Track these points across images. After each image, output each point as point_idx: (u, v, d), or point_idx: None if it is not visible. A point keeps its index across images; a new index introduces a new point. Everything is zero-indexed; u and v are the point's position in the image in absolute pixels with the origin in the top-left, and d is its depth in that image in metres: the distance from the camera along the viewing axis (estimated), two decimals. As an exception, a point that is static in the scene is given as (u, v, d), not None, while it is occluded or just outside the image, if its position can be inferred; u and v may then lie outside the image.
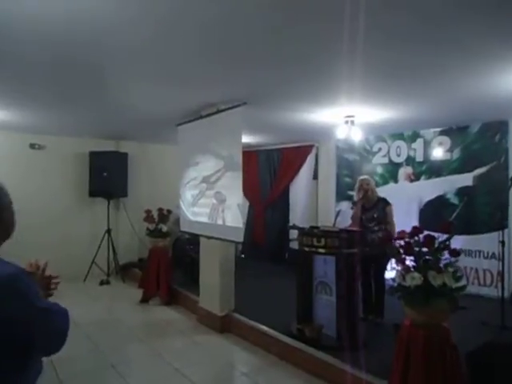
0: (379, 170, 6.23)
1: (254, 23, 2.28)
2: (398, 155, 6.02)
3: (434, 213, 5.45)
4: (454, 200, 5.35)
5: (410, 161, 5.88)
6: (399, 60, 2.84)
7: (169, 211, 5.82)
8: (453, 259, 2.38)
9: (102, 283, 6.47)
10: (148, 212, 5.77)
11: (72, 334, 1.36)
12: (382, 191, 4.62)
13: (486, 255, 5.06)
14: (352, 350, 3.22)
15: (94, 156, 6.69)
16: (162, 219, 5.71)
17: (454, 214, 5.29)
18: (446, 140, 5.47)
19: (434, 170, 5.58)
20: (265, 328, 4.02)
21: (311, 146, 7.04)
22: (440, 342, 2.34)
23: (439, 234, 2.50)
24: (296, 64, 2.98)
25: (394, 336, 2.87)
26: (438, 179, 5.54)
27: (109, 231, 6.80)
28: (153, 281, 5.52)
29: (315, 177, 7.12)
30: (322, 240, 3.58)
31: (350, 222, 4.48)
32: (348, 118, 4.72)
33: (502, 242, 4.01)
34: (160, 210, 5.78)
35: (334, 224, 4.29)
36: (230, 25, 2.30)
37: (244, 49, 2.70)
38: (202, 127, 4.56)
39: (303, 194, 7.18)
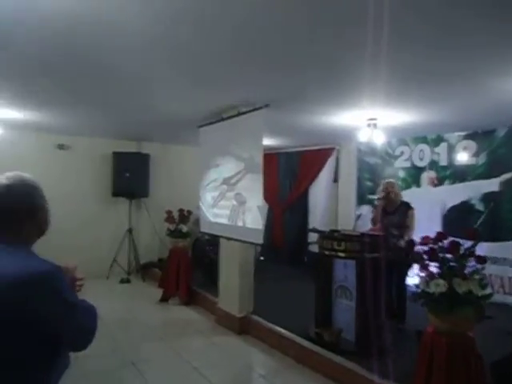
0: (401, 173, 6.13)
1: (278, 27, 2.29)
2: (421, 159, 5.91)
3: (458, 218, 5.33)
4: (480, 206, 5.21)
5: (433, 165, 5.77)
6: (423, 64, 2.81)
7: (189, 212, 5.88)
8: (479, 266, 2.32)
9: (122, 281, 6.59)
10: (169, 212, 5.84)
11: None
12: (404, 195, 4.54)
13: (512, 263, 4.93)
14: (372, 355, 3.17)
15: (117, 157, 6.83)
16: (183, 220, 5.77)
17: (480, 221, 5.15)
18: (472, 144, 5.34)
19: (459, 174, 5.46)
20: (283, 331, 4.01)
21: (332, 149, 7.00)
22: (464, 350, 2.29)
23: (463, 241, 2.45)
24: (319, 67, 2.99)
25: (416, 343, 2.82)
26: (462, 184, 5.42)
27: (130, 231, 6.92)
28: (172, 281, 5.58)
29: (335, 180, 7.06)
30: (343, 244, 3.55)
31: (370, 226, 4.43)
32: (370, 120, 4.67)
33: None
34: (181, 210, 5.84)
35: (354, 228, 4.25)
36: (256, 28, 2.31)
37: (268, 52, 2.72)
38: (223, 129, 4.60)
39: (323, 197, 7.14)
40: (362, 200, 6.62)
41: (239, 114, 4.25)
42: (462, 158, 5.42)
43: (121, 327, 4.65)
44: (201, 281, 5.80)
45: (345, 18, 2.13)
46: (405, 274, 4.07)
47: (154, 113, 4.86)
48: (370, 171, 6.57)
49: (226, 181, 4.59)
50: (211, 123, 4.84)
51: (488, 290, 2.36)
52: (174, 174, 7.29)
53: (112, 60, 2.96)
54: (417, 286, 2.45)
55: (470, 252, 2.36)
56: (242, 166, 4.30)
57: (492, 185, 5.11)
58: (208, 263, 5.81)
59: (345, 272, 3.66)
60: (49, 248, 1.85)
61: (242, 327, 4.42)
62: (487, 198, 5.14)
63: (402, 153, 6.16)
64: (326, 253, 3.72)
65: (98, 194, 6.94)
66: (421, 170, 5.92)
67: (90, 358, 3.42)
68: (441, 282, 2.24)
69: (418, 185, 5.94)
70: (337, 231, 3.85)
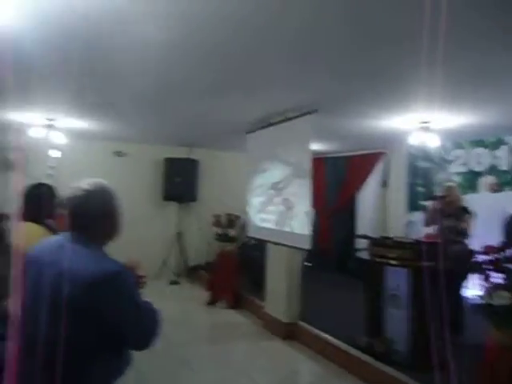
0: (456, 178, 5.83)
1: (334, 33, 2.29)
2: (479, 163, 5.60)
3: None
4: (545, 213, 4.83)
5: (492, 170, 5.44)
6: (483, 62, 2.68)
7: (236, 216, 5.97)
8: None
9: (171, 283, 6.80)
10: (217, 217, 5.96)
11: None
12: (461, 201, 4.33)
13: None
14: (426, 368, 3.03)
15: (169, 162, 7.10)
16: (230, 224, 5.87)
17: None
18: (536, 147, 4.99)
19: (522, 180, 5.11)
20: (330, 338, 3.94)
21: (381, 154, 6.82)
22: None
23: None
24: (374, 72, 2.95)
25: (475, 357, 2.66)
26: (525, 190, 5.07)
27: (179, 234, 7.15)
28: (220, 284, 5.68)
29: (384, 185, 6.86)
30: (396, 251, 3.44)
31: (422, 233, 4.26)
32: (423, 124, 4.50)
33: None
34: (228, 215, 5.95)
35: (406, 235, 4.10)
36: (312, 34, 2.33)
37: (323, 57, 2.72)
38: (271, 134, 4.64)
39: (371, 203, 6.96)
40: (413, 206, 6.37)
41: (287, 119, 4.27)
42: (526, 162, 5.07)
43: (172, 327, 4.79)
44: (247, 285, 5.86)
45: (401, 24, 2.09)
46: (461, 284, 3.86)
47: (205, 120, 5.02)
48: (422, 176, 6.32)
49: (273, 186, 4.62)
50: (259, 129, 4.91)
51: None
52: (222, 179, 7.44)
53: (172, 72, 3.11)
54: (479, 297, 2.32)
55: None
56: (290, 171, 4.31)
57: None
58: (255, 268, 5.84)
59: (397, 280, 3.54)
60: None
61: (288, 333, 4.40)
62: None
63: (458, 157, 5.87)
64: (377, 260, 3.62)
65: (150, 198, 7.24)
66: (478, 174, 5.60)
67: (145, 354, 3.57)
68: (505, 294, 2.11)
69: (475, 190, 5.62)
70: (389, 238, 3.74)
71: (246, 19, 2.17)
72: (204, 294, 5.89)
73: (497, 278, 2.24)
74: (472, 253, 2.55)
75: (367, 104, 3.91)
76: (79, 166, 6.37)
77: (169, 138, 6.71)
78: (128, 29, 2.32)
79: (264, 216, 4.88)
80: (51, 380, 1.29)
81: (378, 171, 6.88)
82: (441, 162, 6.05)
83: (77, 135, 6.03)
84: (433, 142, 4.71)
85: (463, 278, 3.81)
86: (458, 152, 5.86)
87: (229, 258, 5.83)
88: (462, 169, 5.79)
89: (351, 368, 3.55)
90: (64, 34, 2.42)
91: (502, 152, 5.33)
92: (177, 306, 5.84)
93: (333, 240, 7.62)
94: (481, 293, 2.30)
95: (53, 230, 2.23)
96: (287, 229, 4.32)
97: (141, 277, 1.52)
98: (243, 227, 5.77)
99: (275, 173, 4.58)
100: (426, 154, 6.13)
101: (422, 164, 6.31)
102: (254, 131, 5.06)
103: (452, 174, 5.89)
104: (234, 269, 5.76)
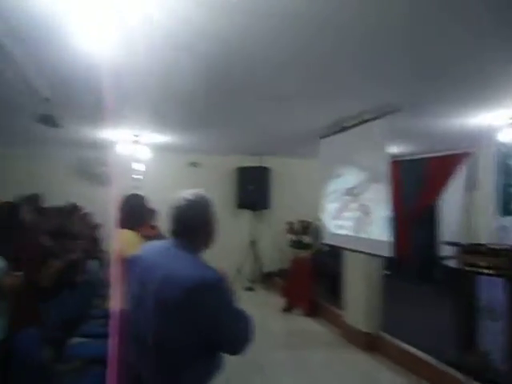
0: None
1: (420, 26, 2.20)
2: None
3: None
4: None
5: None
6: None
7: (310, 223, 5.93)
8: None
9: (246, 289, 6.93)
10: (290, 224, 5.98)
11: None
12: None
13: None
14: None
15: (241, 171, 7.30)
16: (304, 231, 5.84)
17: None
18: None
19: None
20: (414, 350, 3.73)
21: (465, 154, 6.32)
22: None
23: None
24: (459, 68, 2.77)
25: None
26: None
27: (253, 241, 7.28)
28: (295, 291, 5.66)
29: (471, 187, 6.35)
30: (489, 259, 3.16)
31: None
32: (515, 119, 4.11)
33: None
34: (302, 221, 5.93)
35: (499, 241, 3.74)
36: (390, 33, 2.27)
37: (406, 54, 2.62)
38: (345, 139, 4.55)
39: (455, 207, 6.47)
40: (505, 210, 5.80)
41: (362, 122, 4.17)
42: None
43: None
44: (323, 292, 5.76)
45: (492, 16, 1.95)
46: None
47: (277, 127, 5.09)
48: (514, 177, 5.74)
49: (348, 191, 4.52)
50: (332, 134, 4.84)
51: None
52: (294, 186, 7.46)
53: (245, 80, 3.19)
54: None
55: None
56: (366, 175, 4.18)
57: None
58: (330, 275, 5.74)
59: (491, 290, 3.24)
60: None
61: (368, 343, 4.24)
62: None
63: (558, 154, 5.25)
64: (467, 269, 3.36)
65: (224, 207, 7.47)
66: None
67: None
68: None
69: None
70: (481, 245, 3.44)
71: (329, 18, 2.15)
72: (279, 301, 5.92)
73: None
74: None
75: (451, 102, 3.68)
76: (159, 177, 6.85)
77: (240, 147, 6.91)
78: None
79: (339, 222, 4.79)
80: (152, 377, 1.39)
81: (462, 173, 6.39)
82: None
83: (157, 149, 6.47)
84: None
85: None
86: (558, 148, 5.24)
87: (303, 264, 5.79)
88: None
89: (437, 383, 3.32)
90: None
91: None
92: (252, 313, 5.89)
93: (412, 247, 7.19)
94: None
95: (146, 237, 2.42)
96: (365, 235, 4.19)
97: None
98: (317, 234, 5.71)
99: (350, 178, 4.48)
100: (518, 152, 5.57)
101: (515, 163, 5.74)
102: (326, 136, 5.00)
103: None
104: (308, 276, 5.72)
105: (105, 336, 2.73)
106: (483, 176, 6.19)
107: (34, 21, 2.13)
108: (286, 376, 3.67)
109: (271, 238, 7.38)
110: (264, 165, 7.48)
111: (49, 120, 3.36)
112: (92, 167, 6.83)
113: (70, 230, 4.11)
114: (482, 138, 5.31)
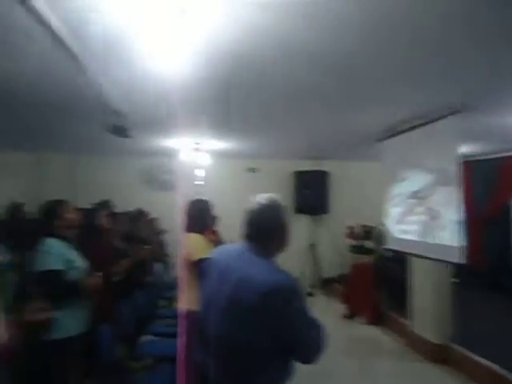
0: None
1: (490, 22, 2.07)
2: None
3: None
4: None
5: None
6: None
7: (372, 228, 5.74)
8: None
9: (306, 295, 6.85)
10: (351, 228, 5.84)
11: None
12: None
13: None
14: None
15: (298, 175, 7.27)
16: (366, 236, 5.67)
17: None
18: None
19: None
20: (490, 364, 3.46)
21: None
22: None
23: None
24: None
25: None
26: None
27: (312, 246, 7.19)
28: (357, 298, 5.50)
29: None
30: None
31: None
32: None
33: None
34: (364, 226, 5.77)
35: None
36: (463, 25, 2.15)
37: (471, 49, 2.46)
38: (409, 140, 4.35)
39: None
40: None
41: (428, 122, 3.97)
42: None
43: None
44: (386, 300, 5.53)
45: None
46: None
47: (335, 130, 5.00)
48: None
49: (413, 195, 4.31)
50: (394, 135, 4.66)
51: None
52: (354, 190, 7.29)
53: (301, 81, 3.17)
54: None
55: None
56: (433, 178, 3.97)
57: None
58: (394, 282, 5.50)
59: None
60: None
61: (438, 355, 4.00)
62: None
63: None
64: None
65: (282, 212, 7.48)
66: None
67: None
68: None
69: None
70: None
71: (400, 16, 2.08)
72: (339, 307, 5.78)
73: None
74: None
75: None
76: (219, 182, 7.04)
77: (298, 151, 6.88)
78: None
79: (404, 227, 4.58)
80: (222, 379, 1.41)
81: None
82: None
83: (217, 155, 6.65)
84: None
85: None
86: None
87: (365, 270, 5.62)
88: None
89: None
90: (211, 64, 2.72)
91: None
92: (313, 318, 5.84)
93: (485, 254, 6.69)
94: None
95: (214, 241, 2.50)
96: (432, 240, 3.97)
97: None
98: (379, 239, 5.51)
99: (416, 181, 4.27)
100: None
101: None
102: (388, 138, 4.83)
103: None
104: (371, 282, 5.53)
105: (172, 335, 2.85)
106: None
107: (108, 37, 2.30)
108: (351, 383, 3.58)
109: (330, 243, 7.25)
110: (322, 168, 7.39)
111: (121, 131, 3.59)
112: (157, 174, 7.20)
113: (138, 234, 4.35)
114: None
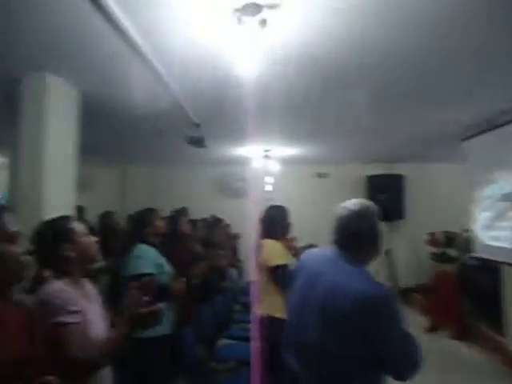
0: None
1: None
2: None
3: None
4: None
5: None
6: None
7: (456, 234, 5.33)
8: None
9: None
10: (431, 235, 5.47)
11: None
12: None
13: None
14: None
15: (371, 180, 7.01)
16: (449, 243, 5.26)
17: None
18: None
19: None
20: None
21: None
22: None
23: None
24: None
25: None
26: None
27: (387, 254, 6.86)
28: (441, 309, 5.13)
29: None
30: None
31: None
32: None
33: None
34: (446, 232, 5.37)
35: None
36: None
37: None
38: (498, 138, 3.98)
39: None
40: None
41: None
42: None
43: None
44: (473, 312, 5.08)
45: None
46: None
47: (409, 131, 4.75)
48: None
49: (505, 198, 3.93)
50: (479, 134, 4.30)
51: None
52: (432, 193, 6.83)
53: (371, 82, 3.08)
54: None
55: None
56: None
57: None
58: (479, 292, 5.04)
59: None
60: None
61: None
62: None
63: None
64: None
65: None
66: None
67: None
68: None
69: None
70: None
71: (476, 12, 1.97)
72: (420, 319, 5.43)
73: None
74: None
75: None
76: (288, 189, 7.05)
77: (369, 155, 6.64)
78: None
79: (493, 233, 4.19)
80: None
81: None
82: None
83: (286, 162, 6.67)
84: None
85: None
86: None
87: (449, 280, 5.21)
88: None
89: None
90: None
91: None
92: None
93: None
94: None
95: (289, 247, 2.50)
96: (530, 248, 3.58)
97: None
98: (464, 246, 5.09)
99: (507, 182, 3.89)
100: None
101: None
102: (475, 136, 4.46)
103: None
104: (455, 293, 5.12)
105: (247, 339, 2.89)
106: None
107: (187, 49, 2.41)
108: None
109: (407, 251, 6.86)
110: (396, 172, 7.05)
111: (198, 141, 3.75)
112: (230, 182, 7.42)
113: (215, 240, 4.51)
114: None
